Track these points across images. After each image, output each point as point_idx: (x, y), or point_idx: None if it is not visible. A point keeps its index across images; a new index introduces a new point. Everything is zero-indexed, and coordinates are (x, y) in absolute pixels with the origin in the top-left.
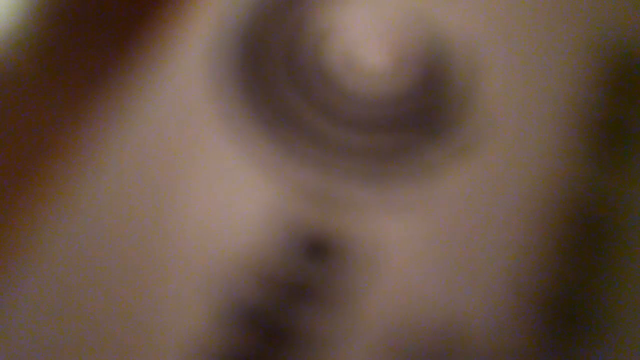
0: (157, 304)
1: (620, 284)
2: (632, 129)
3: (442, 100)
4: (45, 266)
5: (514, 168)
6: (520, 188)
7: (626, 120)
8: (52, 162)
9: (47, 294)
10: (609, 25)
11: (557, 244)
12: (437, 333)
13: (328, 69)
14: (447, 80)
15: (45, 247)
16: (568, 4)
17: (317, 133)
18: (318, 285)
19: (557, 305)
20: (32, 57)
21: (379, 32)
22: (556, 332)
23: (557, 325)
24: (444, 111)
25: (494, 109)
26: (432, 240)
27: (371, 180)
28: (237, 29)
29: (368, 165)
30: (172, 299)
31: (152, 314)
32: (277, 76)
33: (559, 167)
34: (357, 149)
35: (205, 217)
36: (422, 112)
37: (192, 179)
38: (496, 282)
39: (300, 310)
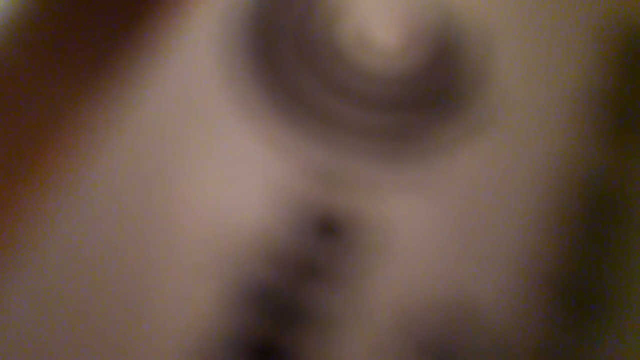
0: (165, 283)
1: (629, 260)
2: None
3: (453, 79)
4: (52, 244)
5: (525, 147)
6: (531, 167)
7: (638, 99)
8: (59, 143)
9: (53, 268)
10: (622, 5)
11: (568, 224)
12: (447, 312)
13: (340, 48)
14: (459, 59)
15: (51, 226)
16: None
17: (329, 112)
18: (328, 264)
19: (568, 285)
20: (36, 37)
21: (392, 11)
22: (566, 311)
23: (567, 304)
24: (455, 90)
25: (506, 88)
26: (443, 220)
27: (382, 159)
28: (248, 8)
29: (380, 144)
30: (180, 278)
31: (159, 293)
32: (288, 55)
33: (570, 146)
34: (369, 128)
35: (216, 196)
36: (434, 91)
37: (202, 159)
38: (506, 262)
39: (311, 289)
